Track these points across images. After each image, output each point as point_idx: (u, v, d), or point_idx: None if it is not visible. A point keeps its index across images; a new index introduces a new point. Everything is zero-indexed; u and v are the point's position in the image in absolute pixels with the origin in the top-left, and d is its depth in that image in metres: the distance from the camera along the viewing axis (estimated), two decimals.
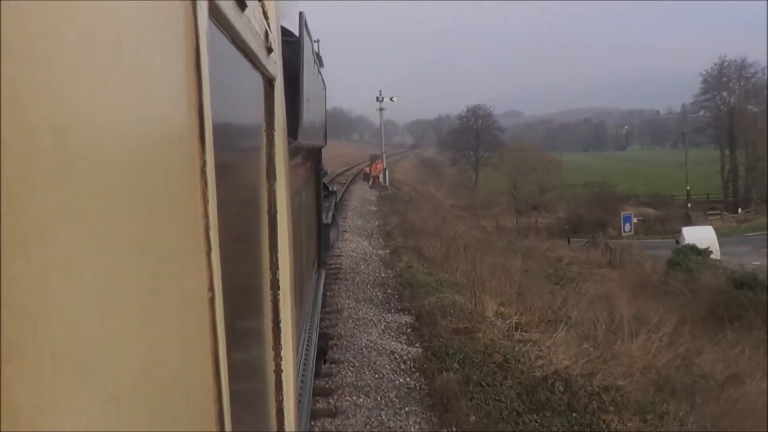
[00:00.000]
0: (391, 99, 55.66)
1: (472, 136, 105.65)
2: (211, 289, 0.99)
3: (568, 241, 46.89)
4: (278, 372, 2.12)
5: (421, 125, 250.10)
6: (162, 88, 0.83)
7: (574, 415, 8.57)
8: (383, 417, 8.59)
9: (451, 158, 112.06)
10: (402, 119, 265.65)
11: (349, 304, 14.01)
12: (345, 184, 45.08)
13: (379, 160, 53.07)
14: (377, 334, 12.03)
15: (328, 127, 10.73)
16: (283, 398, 2.14)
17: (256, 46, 1.71)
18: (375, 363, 10.43)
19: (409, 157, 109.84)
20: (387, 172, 50.52)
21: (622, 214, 44.38)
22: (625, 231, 42.52)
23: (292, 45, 5.58)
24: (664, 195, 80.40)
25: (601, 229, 54.15)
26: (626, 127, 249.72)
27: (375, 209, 33.87)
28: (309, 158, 8.35)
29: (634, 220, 51.45)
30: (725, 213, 71.26)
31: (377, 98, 54.72)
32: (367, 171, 55.64)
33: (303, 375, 5.06)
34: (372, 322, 12.76)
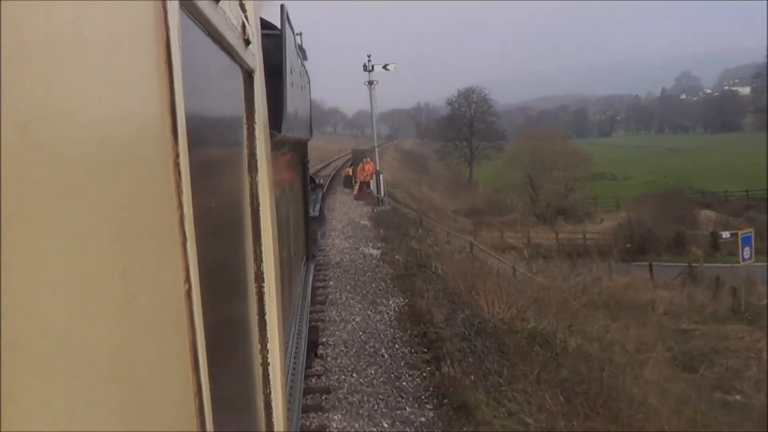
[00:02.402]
0: (385, 67, 36.98)
1: (465, 125, 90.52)
2: (188, 280, 0.98)
3: (650, 271, 32.85)
4: (265, 365, 2.12)
5: (397, 115, 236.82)
6: (129, 82, 0.83)
7: None
8: None
9: (441, 150, 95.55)
10: (375, 110, 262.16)
11: None
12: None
13: (369, 159, 36.88)
14: None
15: None
16: (270, 392, 2.14)
17: (233, 39, 1.70)
18: None
19: (389, 149, 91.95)
20: (382, 176, 34.77)
21: (740, 233, 27.93)
22: (744, 258, 26.95)
23: (274, 38, 5.56)
24: (714, 192, 63.03)
25: (678, 248, 41.45)
26: (619, 112, 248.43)
27: (375, 251, 19.03)
28: (294, 151, 8.33)
29: (727, 234, 39.80)
30: None
31: (365, 66, 36.33)
32: (349, 174, 39.37)
33: (294, 368, 5.07)
34: None
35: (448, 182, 76.19)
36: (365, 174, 35.02)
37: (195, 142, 1.11)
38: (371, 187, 33.86)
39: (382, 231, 22.88)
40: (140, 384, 0.78)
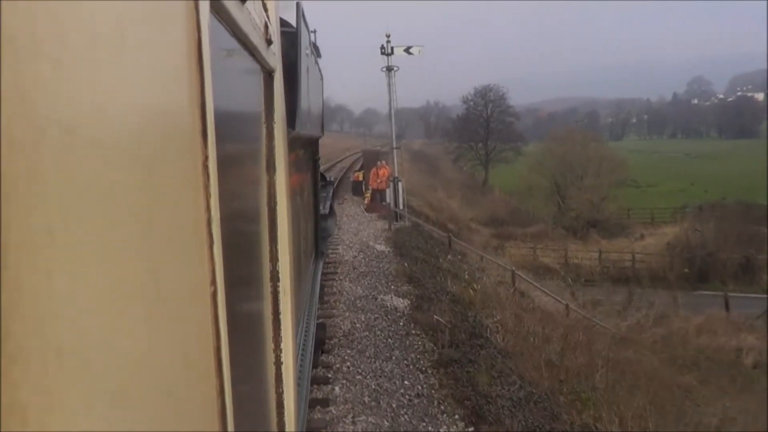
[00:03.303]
0: (408, 50, 29.30)
1: (481, 125, 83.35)
2: (214, 282, 0.99)
3: (726, 307, 26.98)
4: (278, 364, 2.13)
5: (405, 114, 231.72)
6: (165, 84, 0.83)
7: None
8: None
9: (455, 152, 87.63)
10: (383, 107, 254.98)
11: None
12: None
13: (383, 162, 29.63)
14: None
15: None
16: (283, 390, 2.14)
17: (256, 39, 1.70)
18: None
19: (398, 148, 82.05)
20: (402, 185, 28.11)
21: None
22: None
23: (290, 35, 5.58)
24: (754, 204, 51.49)
25: (747, 275, 34.65)
26: (632, 116, 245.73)
27: (401, 301, 13.46)
28: (306, 148, 8.35)
29: None
30: None
31: (382, 49, 28.62)
32: (359, 179, 32.71)
33: (301, 365, 5.08)
34: None
35: (462, 186, 67.12)
36: (379, 180, 28.36)
37: (221, 143, 1.12)
38: (387, 198, 27.32)
39: (406, 263, 16.93)
40: (167, 387, 0.79)
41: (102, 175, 0.61)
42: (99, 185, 0.60)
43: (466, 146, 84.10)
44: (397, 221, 24.67)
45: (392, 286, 14.70)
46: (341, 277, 15.44)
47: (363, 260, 17.44)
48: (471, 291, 15.30)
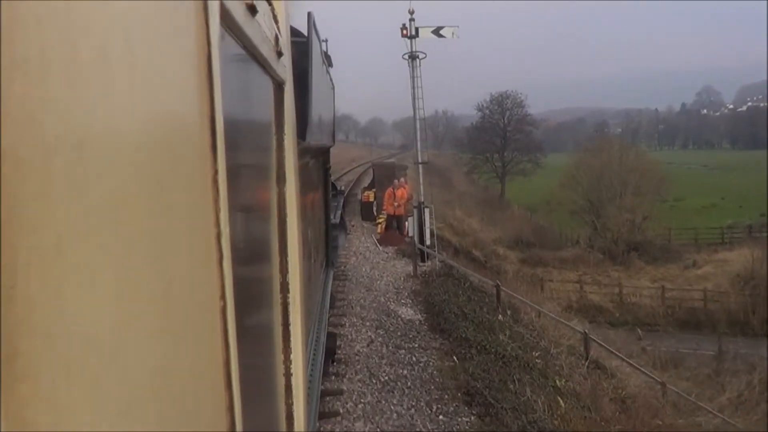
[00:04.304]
0: (438, 32, 21.66)
1: (497, 135, 77.61)
2: (223, 297, 0.99)
3: None
4: (288, 375, 2.12)
5: (412, 123, 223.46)
6: (175, 99, 0.84)
7: None
8: None
9: (469, 163, 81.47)
10: (389, 117, 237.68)
11: None
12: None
13: (402, 179, 23.63)
14: None
15: None
16: (292, 402, 2.14)
17: (267, 51, 1.71)
18: None
19: (406, 160, 59.21)
20: (429, 213, 21.07)
21: None
22: None
23: (301, 45, 5.60)
24: None
25: None
26: (642, 126, 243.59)
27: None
28: (317, 158, 8.38)
29: None
30: None
31: (403, 30, 21.32)
32: (369, 199, 26.81)
33: (311, 375, 5.08)
34: None
35: (479, 202, 60.71)
36: (397, 204, 21.86)
37: (231, 156, 1.12)
38: (406, 227, 21.35)
39: (448, 340, 11.80)
40: (177, 402, 0.79)
41: (112, 191, 0.61)
42: (109, 202, 0.60)
43: (481, 157, 77.96)
44: (424, 261, 18.64)
45: (433, 407, 8.97)
46: (350, 403, 9.12)
47: (384, 347, 11.30)
48: (560, 401, 10.24)
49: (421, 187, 21.69)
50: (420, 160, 21.83)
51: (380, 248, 20.81)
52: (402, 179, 23.51)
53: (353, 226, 24.81)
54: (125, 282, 0.63)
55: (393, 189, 22.53)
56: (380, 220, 23.59)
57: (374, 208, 25.77)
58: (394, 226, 22.18)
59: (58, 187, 0.50)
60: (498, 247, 41.59)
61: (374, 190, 27.10)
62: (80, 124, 0.55)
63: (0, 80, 0.42)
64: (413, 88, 21.54)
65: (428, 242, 20.04)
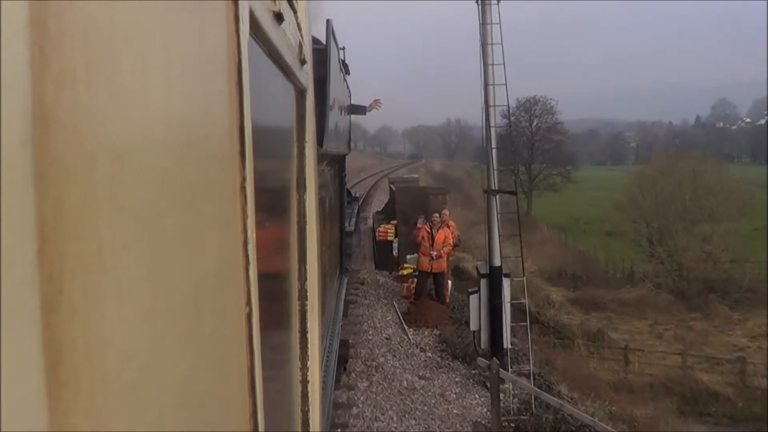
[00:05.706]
0: None
1: (524, 145, 65.36)
2: (249, 303, 0.99)
3: None
4: (304, 382, 2.13)
5: (423, 132, 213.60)
6: (208, 109, 0.85)
7: None
8: None
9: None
10: (399, 125, 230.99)
11: None
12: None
13: (443, 211, 14.45)
14: None
15: None
16: (308, 409, 2.14)
17: (291, 59, 1.72)
18: None
19: (418, 171, 67.32)
20: (509, 284, 10.59)
21: None
22: None
23: (319, 53, 5.63)
24: None
25: None
26: (658, 139, 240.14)
27: None
28: (333, 165, 8.41)
29: None
30: None
31: None
32: (386, 237, 18.27)
33: (324, 382, 5.08)
34: None
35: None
36: (436, 253, 13.87)
37: (256, 164, 1.13)
38: (449, 289, 14.54)
39: None
40: (204, 408, 0.79)
41: (148, 201, 0.62)
42: (146, 211, 0.61)
43: (505, 170, 66.64)
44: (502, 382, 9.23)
45: None
46: None
47: None
48: None
49: (496, 226, 11.10)
50: (495, 186, 11.38)
51: (410, 334, 12.49)
52: (445, 211, 14.71)
53: (360, 278, 16.65)
54: (159, 291, 0.64)
55: (430, 226, 14.10)
56: (405, 271, 15.85)
57: (394, 250, 17.53)
58: (432, 290, 14.16)
59: (100, 196, 0.51)
60: (543, 284, 33.88)
61: (394, 222, 18.42)
62: (121, 133, 0.55)
63: (50, 90, 0.43)
64: (482, 51, 11.32)
65: (507, 344, 10.67)
